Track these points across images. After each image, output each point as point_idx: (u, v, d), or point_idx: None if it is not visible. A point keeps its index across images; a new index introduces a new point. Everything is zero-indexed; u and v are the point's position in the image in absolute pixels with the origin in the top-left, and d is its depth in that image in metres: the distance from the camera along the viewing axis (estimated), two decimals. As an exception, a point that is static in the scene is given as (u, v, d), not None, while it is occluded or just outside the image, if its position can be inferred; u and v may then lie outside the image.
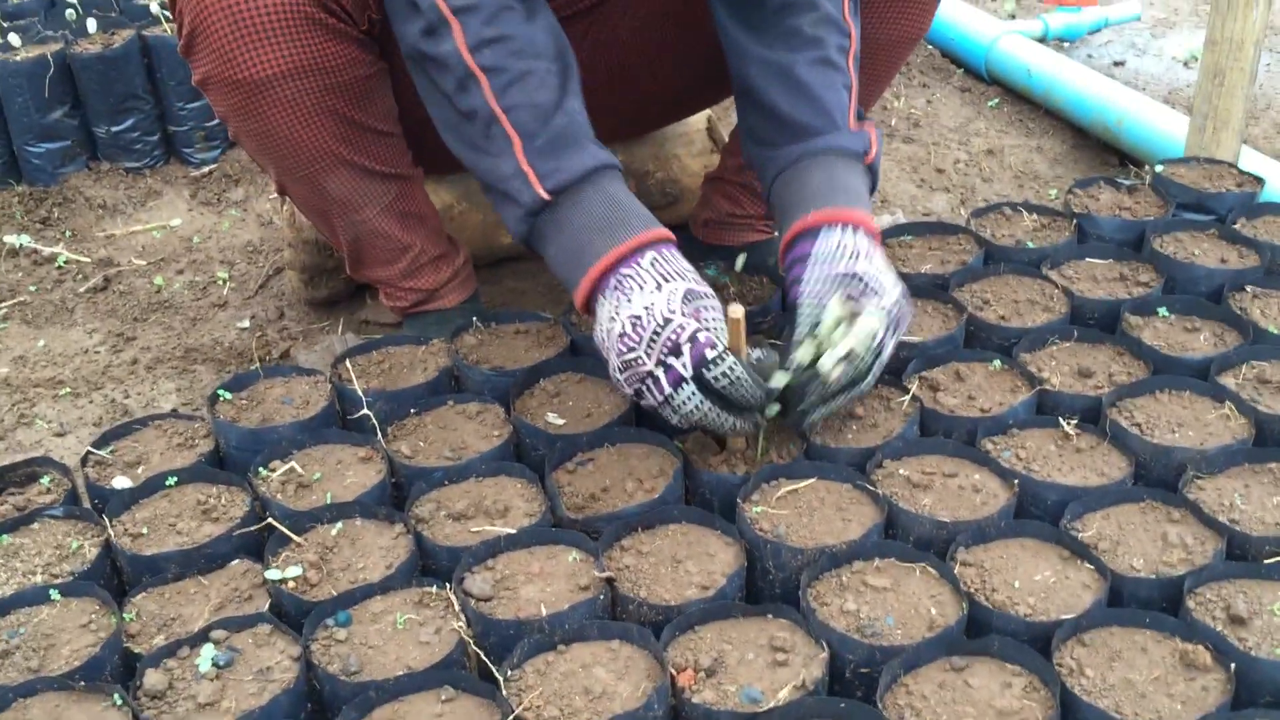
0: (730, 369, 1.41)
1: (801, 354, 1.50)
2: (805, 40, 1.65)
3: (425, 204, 1.96)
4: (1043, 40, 3.41)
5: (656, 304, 1.42)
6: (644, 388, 1.44)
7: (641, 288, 1.44)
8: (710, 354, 1.41)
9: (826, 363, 1.48)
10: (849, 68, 1.68)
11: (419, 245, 1.94)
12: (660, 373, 1.42)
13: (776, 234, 2.21)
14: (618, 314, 1.44)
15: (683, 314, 1.42)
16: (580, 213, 1.49)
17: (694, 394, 1.42)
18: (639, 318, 1.42)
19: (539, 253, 1.56)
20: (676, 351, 1.41)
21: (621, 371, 1.45)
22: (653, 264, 1.46)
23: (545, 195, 1.48)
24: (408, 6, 1.52)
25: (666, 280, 1.44)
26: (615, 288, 1.46)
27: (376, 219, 1.87)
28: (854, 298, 1.51)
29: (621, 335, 1.43)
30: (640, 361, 1.42)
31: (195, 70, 1.71)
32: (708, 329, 1.43)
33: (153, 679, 1.26)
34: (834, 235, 1.54)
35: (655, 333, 1.41)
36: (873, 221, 1.59)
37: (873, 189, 1.67)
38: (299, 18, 1.62)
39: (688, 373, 1.41)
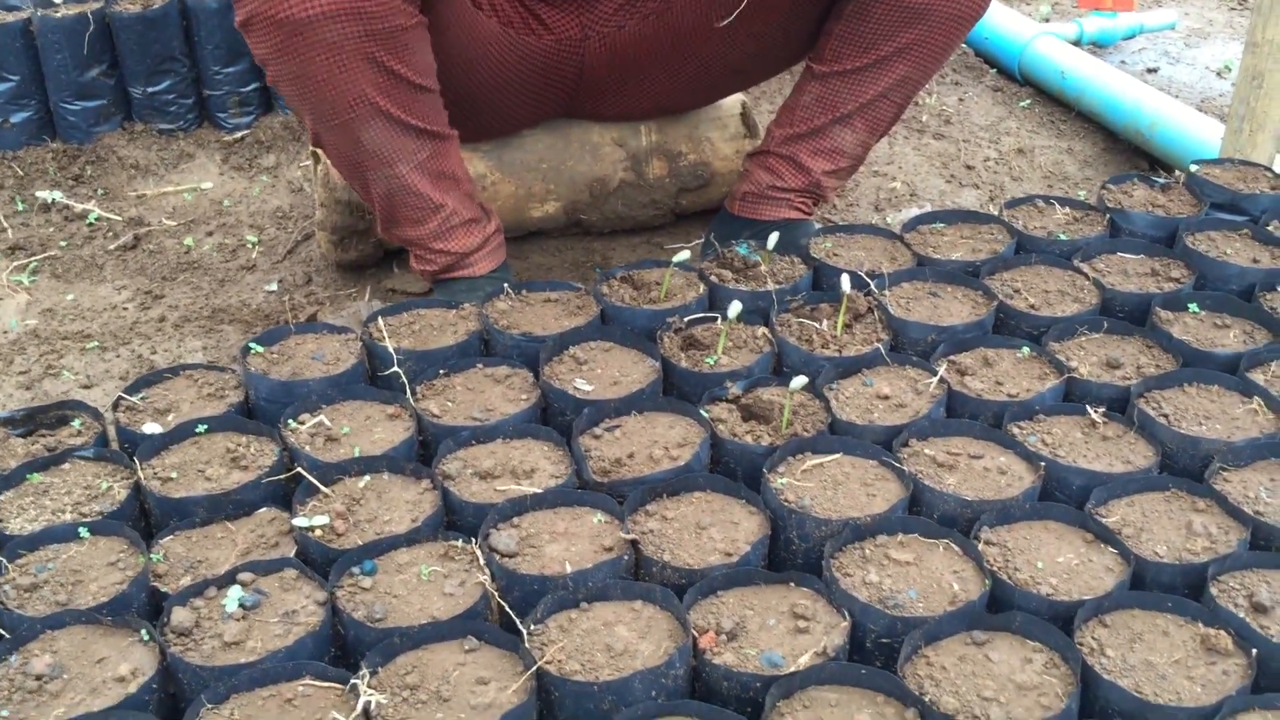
0: None
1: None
2: None
3: (459, 166, 1.97)
4: (1077, 44, 3.40)
5: None
6: None
7: None
8: None
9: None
10: None
11: (450, 206, 1.94)
12: None
13: (810, 217, 2.22)
14: None
15: None
16: None
17: None
18: None
19: None
20: None
21: None
22: None
23: None
24: None
25: None
26: None
27: (410, 175, 1.88)
28: None
29: None
30: None
31: (240, 9, 1.72)
32: None
33: (180, 616, 1.28)
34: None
35: None
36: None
37: None
38: None
39: None
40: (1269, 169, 2.21)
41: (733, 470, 1.55)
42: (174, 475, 1.51)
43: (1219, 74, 3.42)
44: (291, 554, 1.40)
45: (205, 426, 1.57)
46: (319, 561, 1.38)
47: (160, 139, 2.85)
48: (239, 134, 2.88)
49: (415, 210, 1.94)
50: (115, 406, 1.65)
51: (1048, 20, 3.73)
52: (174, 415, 1.63)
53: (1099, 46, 3.52)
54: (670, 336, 1.76)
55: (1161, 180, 2.16)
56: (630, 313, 1.80)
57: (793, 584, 1.35)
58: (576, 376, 1.68)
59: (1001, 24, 3.35)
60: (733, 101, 2.45)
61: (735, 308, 1.68)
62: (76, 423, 1.63)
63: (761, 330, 1.77)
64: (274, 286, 2.36)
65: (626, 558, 1.37)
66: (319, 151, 2.27)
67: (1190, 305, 1.82)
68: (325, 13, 1.67)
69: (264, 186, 2.74)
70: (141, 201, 2.67)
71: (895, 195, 2.68)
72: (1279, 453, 1.53)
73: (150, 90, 2.80)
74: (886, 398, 1.63)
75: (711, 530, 1.42)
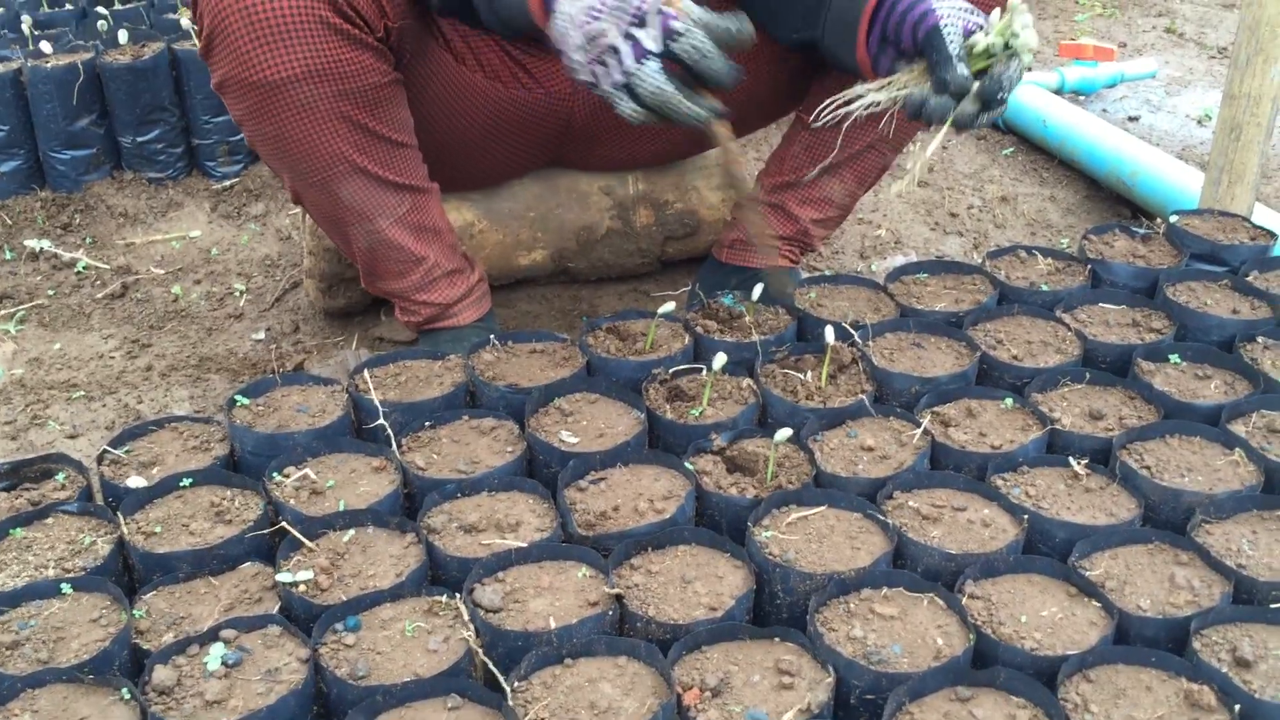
0: (700, 42, 1.41)
1: (992, 39, 1.56)
2: None
3: (441, 218, 1.98)
4: (1058, 93, 3.44)
5: None
6: (603, 66, 1.42)
7: None
8: (678, 25, 1.40)
9: (1027, 38, 1.56)
10: None
11: (433, 259, 1.96)
12: (625, 45, 1.39)
13: (797, 265, 2.23)
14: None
15: None
16: None
17: (659, 71, 1.41)
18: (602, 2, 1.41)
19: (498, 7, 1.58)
20: (642, 21, 1.39)
21: (584, 48, 1.42)
22: None
23: None
24: None
25: None
26: None
27: (390, 229, 1.89)
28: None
29: (587, 7, 1.41)
30: (604, 33, 1.40)
31: (214, 72, 1.74)
32: (673, 8, 1.43)
33: (161, 674, 1.27)
34: None
35: (620, 3, 1.40)
36: None
37: None
38: (314, 22, 1.66)
39: (655, 46, 1.39)
40: (1248, 220, 2.24)
41: (717, 523, 1.55)
42: (158, 530, 1.50)
43: (1199, 122, 3.47)
44: (275, 610, 1.39)
45: (190, 480, 1.57)
46: (303, 617, 1.38)
47: (149, 188, 2.86)
48: (228, 182, 2.90)
49: (397, 264, 1.95)
50: (100, 460, 1.65)
51: (1030, 69, 3.77)
52: (159, 468, 1.63)
53: (1080, 95, 3.57)
54: (655, 388, 1.77)
55: (1142, 231, 2.19)
56: (616, 364, 1.81)
57: (777, 639, 1.35)
58: (562, 428, 1.68)
59: (984, 73, 3.39)
60: (719, 151, 2.47)
61: (720, 360, 1.68)
62: (61, 476, 1.63)
63: (746, 382, 1.78)
64: (261, 335, 2.36)
65: (611, 613, 1.37)
66: (307, 201, 2.29)
67: (1172, 356, 1.83)
68: (297, 74, 1.69)
69: (252, 235, 2.75)
70: (130, 250, 2.68)
71: (880, 242, 2.71)
72: (1260, 505, 1.54)
73: (139, 139, 2.82)
74: (871, 449, 1.64)
75: (696, 584, 1.42)
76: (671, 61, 1.45)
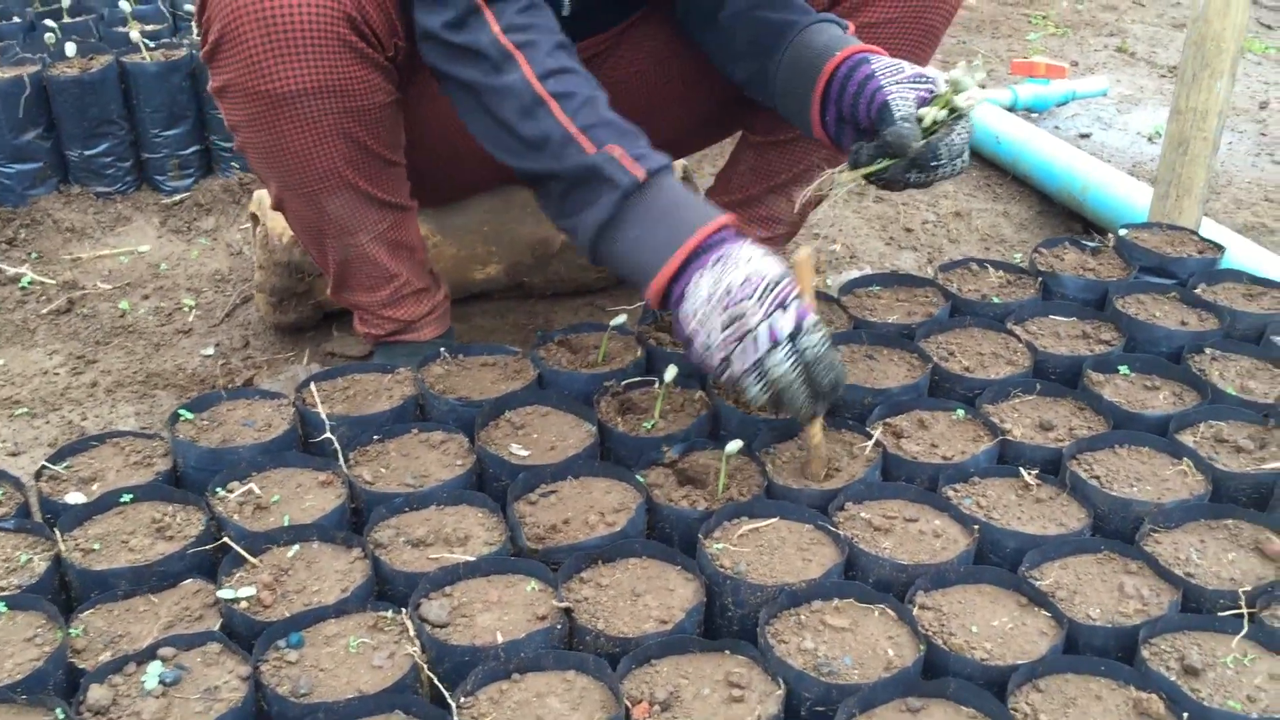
0: (826, 337, 1.47)
1: (935, 113, 1.59)
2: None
3: (416, 236, 1.97)
4: (1011, 110, 3.48)
5: (769, 265, 1.46)
6: (739, 349, 1.45)
7: (749, 257, 1.46)
8: (811, 316, 1.46)
9: (971, 94, 1.58)
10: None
11: (404, 276, 1.95)
12: (763, 329, 1.43)
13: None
14: (723, 276, 1.45)
15: (787, 276, 1.47)
16: (667, 194, 1.53)
17: (789, 355, 1.45)
18: (750, 277, 1.44)
19: (613, 241, 1.56)
20: (784, 305, 1.44)
21: (722, 330, 1.45)
22: (748, 240, 1.50)
23: (642, 175, 1.52)
24: (467, 51, 1.59)
25: (766, 253, 1.49)
26: (719, 258, 1.47)
27: (369, 245, 1.88)
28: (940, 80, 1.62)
29: (729, 291, 1.44)
30: (749, 315, 1.43)
31: (216, 77, 1.71)
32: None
33: (96, 694, 1.24)
34: (882, 57, 1.63)
35: (768, 287, 1.44)
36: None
37: None
38: (331, 38, 1.64)
39: (788, 329, 1.44)
40: (1195, 233, 2.26)
41: (669, 536, 1.54)
42: (96, 547, 1.47)
43: (1150, 139, 3.51)
44: (216, 627, 1.36)
45: (130, 496, 1.54)
46: (245, 634, 1.35)
47: (97, 202, 2.82)
48: (178, 197, 2.86)
49: (370, 278, 1.93)
50: (38, 476, 1.61)
51: (983, 87, 3.81)
52: (99, 484, 1.60)
53: (1033, 112, 3.61)
54: (608, 400, 1.75)
55: (1092, 244, 2.21)
56: (568, 377, 1.80)
57: (728, 652, 1.33)
58: (512, 441, 1.67)
59: (938, 90, 3.42)
60: (674, 164, 2.47)
61: (671, 371, 1.67)
62: (-2, 492, 1.59)
63: (699, 393, 1.77)
64: (210, 350, 2.33)
65: (560, 626, 1.35)
66: (258, 214, 2.26)
67: (1121, 367, 1.84)
68: (308, 88, 1.67)
69: (202, 249, 2.71)
70: (76, 265, 2.64)
71: (835, 257, 2.71)
72: (1208, 514, 1.54)
73: (87, 153, 2.78)
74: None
75: (647, 597, 1.41)
76: None
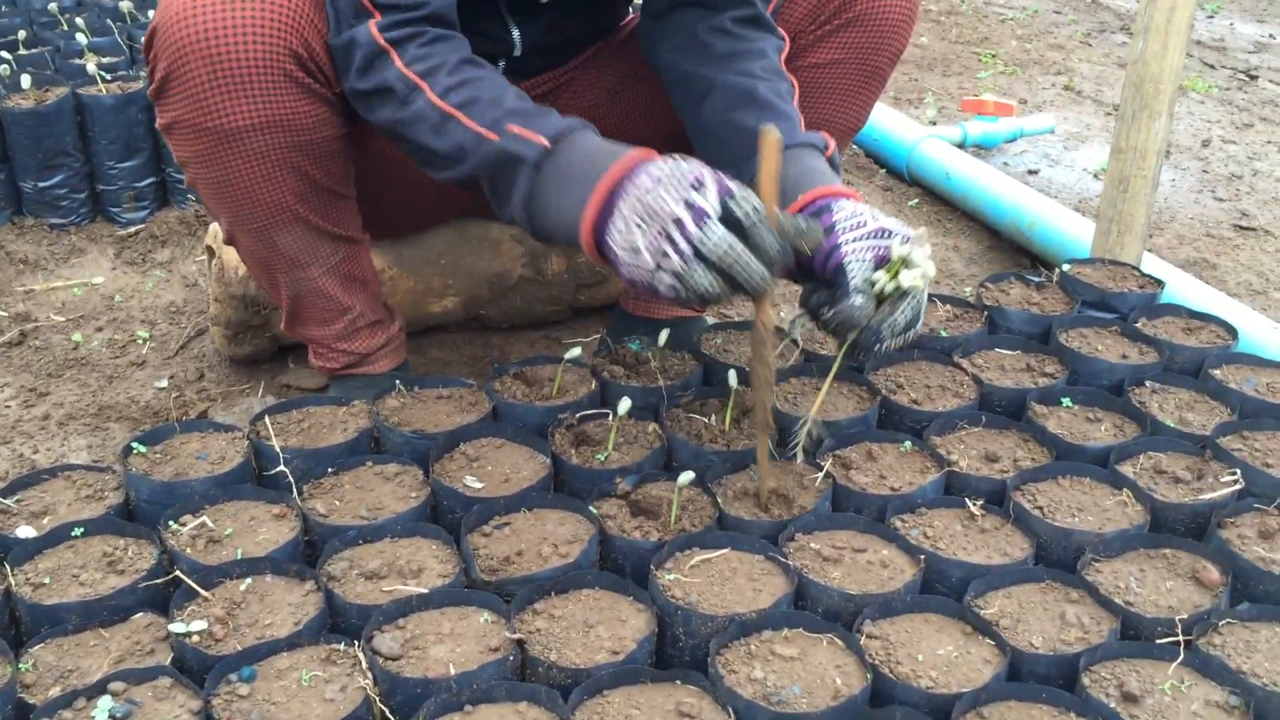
0: (757, 205, 1.41)
1: (880, 284, 1.54)
2: (758, 76, 1.78)
3: (369, 269, 1.99)
4: (961, 146, 3.55)
5: (678, 163, 1.44)
6: (668, 244, 1.40)
7: (660, 168, 1.44)
8: (735, 187, 1.42)
9: (917, 274, 1.52)
10: (795, 109, 1.79)
11: (358, 309, 1.96)
12: (683, 211, 1.39)
13: (703, 315, 2.26)
14: (637, 194, 1.42)
15: (702, 164, 1.44)
16: (578, 152, 1.52)
17: (724, 233, 1.39)
18: (660, 178, 1.42)
19: (540, 211, 1.54)
20: (700, 185, 1.40)
21: (645, 226, 1.41)
22: (668, 157, 1.47)
23: (545, 142, 1.51)
24: (379, 92, 1.62)
25: (681, 158, 1.46)
26: (632, 184, 1.44)
27: (321, 279, 1.89)
28: (899, 241, 1.55)
29: (641, 200, 1.41)
30: (664, 207, 1.39)
31: (163, 114, 1.72)
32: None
33: (45, 729, 1.23)
34: (845, 205, 1.58)
35: (676, 176, 1.41)
36: (857, 194, 1.65)
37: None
38: (277, 73, 1.66)
39: (714, 207, 1.39)
40: (1136, 268, 2.32)
41: (621, 567, 1.56)
42: (47, 581, 1.46)
43: (1096, 176, 3.59)
44: (168, 661, 1.36)
45: (82, 530, 1.53)
46: (196, 668, 1.35)
47: (51, 234, 2.81)
48: (133, 229, 2.86)
49: (323, 312, 1.94)
50: (-12, 510, 1.60)
51: (934, 124, 3.89)
52: (50, 518, 1.59)
53: (982, 149, 3.68)
54: (562, 433, 1.77)
55: (1037, 279, 2.26)
56: (523, 409, 1.81)
57: (679, 682, 1.35)
58: (467, 474, 1.68)
59: (890, 127, 3.48)
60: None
61: (625, 404, 1.70)
62: (-54, 527, 1.58)
63: (652, 426, 1.79)
64: (164, 383, 2.32)
65: (513, 658, 1.36)
66: (213, 246, 2.26)
67: (1064, 400, 1.89)
68: (254, 124, 1.68)
69: (157, 281, 2.71)
70: (30, 297, 2.62)
71: (791, 290, 2.75)
72: (1147, 544, 1.58)
73: (42, 185, 2.78)
74: (773, 492, 1.66)
75: (599, 628, 1.42)
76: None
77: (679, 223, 1.39)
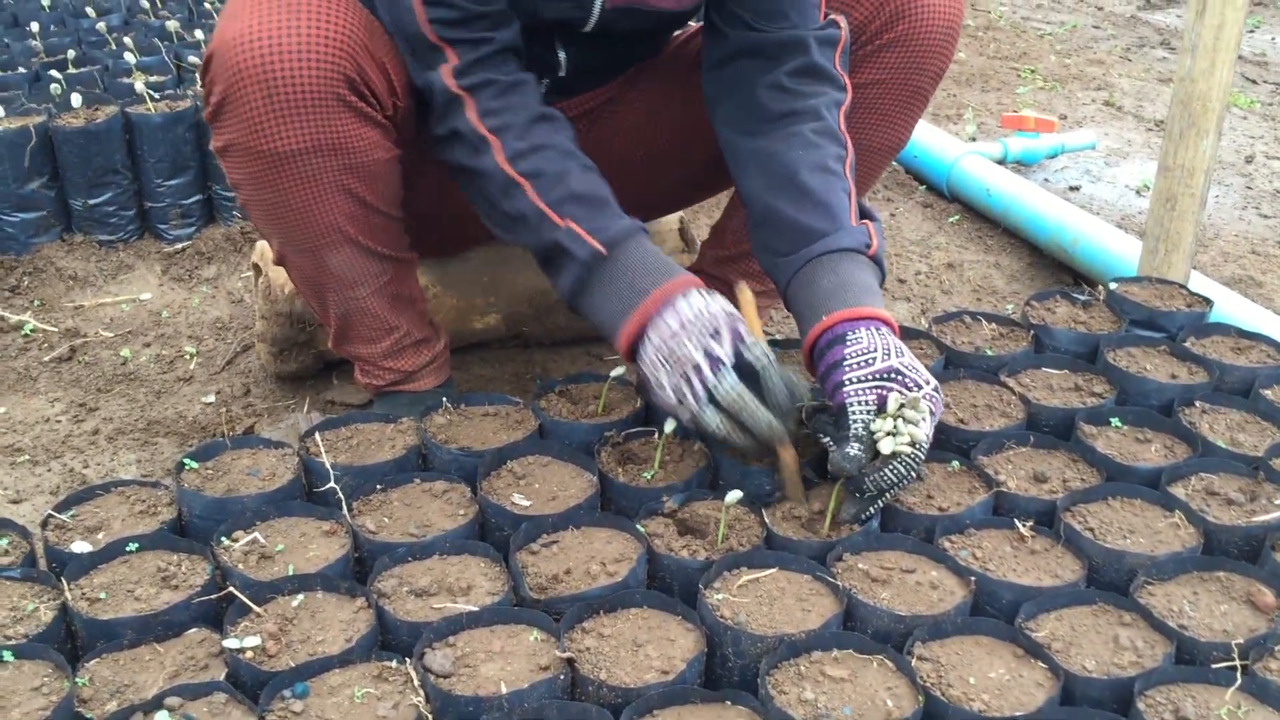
0: (765, 352, 1.57)
1: (878, 434, 1.58)
2: (807, 146, 1.79)
3: (415, 288, 2.00)
4: (1001, 162, 3.54)
5: (703, 304, 1.61)
6: (686, 383, 1.57)
7: (689, 304, 1.61)
8: (746, 336, 1.58)
9: (903, 437, 1.57)
10: (846, 175, 1.81)
11: (405, 327, 1.98)
12: (700, 356, 1.56)
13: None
14: (666, 327, 1.60)
15: (723, 310, 1.61)
16: (629, 262, 1.67)
17: (735, 381, 1.55)
18: (685, 318, 1.60)
19: (583, 305, 1.72)
20: (717, 333, 1.57)
21: (669, 372, 1.58)
22: (697, 294, 1.63)
23: (602, 249, 1.67)
24: (451, 137, 1.74)
25: (708, 297, 1.64)
26: (668, 314, 1.61)
27: (369, 298, 1.91)
28: (899, 392, 1.60)
29: (671, 335, 1.59)
30: (686, 348, 1.57)
31: (218, 137, 1.75)
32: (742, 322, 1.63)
33: (103, 744, 1.25)
34: (860, 337, 1.63)
35: (699, 320, 1.58)
36: (886, 312, 1.69)
37: (881, 279, 1.78)
38: (330, 98, 1.68)
39: (728, 355, 1.56)
40: (1184, 287, 2.30)
41: (669, 585, 1.56)
42: (102, 596, 1.48)
43: (1138, 192, 3.57)
44: (222, 677, 1.37)
45: (136, 545, 1.55)
46: (250, 684, 1.36)
47: (100, 250, 2.85)
48: (180, 245, 2.89)
49: (371, 330, 1.96)
50: (44, 525, 1.62)
51: (974, 140, 3.88)
52: (104, 533, 1.61)
53: (1023, 165, 3.67)
54: (608, 451, 1.78)
55: (1083, 297, 2.24)
56: (568, 427, 1.82)
57: (729, 702, 1.35)
58: (514, 491, 1.69)
59: (930, 143, 3.48)
60: (671, 217, 2.51)
61: (671, 423, 1.70)
62: (4, 541, 1.60)
63: (698, 445, 1.79)
64: (211, 398, 2.35)
65: (563, 677, 1.37)
66: (260, 264, 2.29)
67: (1113, 420, 1.87)
68: (307, 147, 1.70)
69: (204, 297, 2.74)
70: (79, 313, 2.66)
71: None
72: (1200, 566, 1.57)
73: (91, 202, 2.81)
74: (821, 512, 1.65)
75: (648, 647, 1.42)
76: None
77: (698, 369, 1.56)
